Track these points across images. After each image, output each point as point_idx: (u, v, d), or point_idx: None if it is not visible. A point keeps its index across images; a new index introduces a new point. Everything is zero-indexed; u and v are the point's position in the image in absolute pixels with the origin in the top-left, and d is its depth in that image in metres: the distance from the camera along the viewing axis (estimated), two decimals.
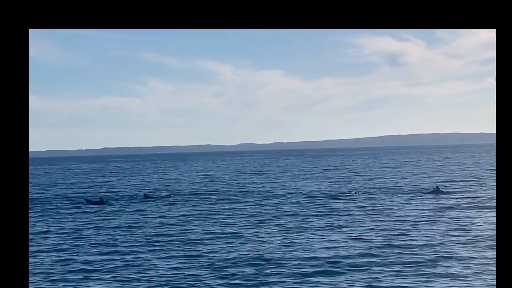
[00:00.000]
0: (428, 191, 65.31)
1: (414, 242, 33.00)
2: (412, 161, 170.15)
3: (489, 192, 61.88)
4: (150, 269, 28.26)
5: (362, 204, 53.65)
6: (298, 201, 58.43)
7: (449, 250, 30.46)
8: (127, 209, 55.83)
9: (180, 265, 28.93)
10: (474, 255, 29.40)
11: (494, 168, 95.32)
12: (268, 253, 31.05)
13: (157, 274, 27.19)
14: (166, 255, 31.64)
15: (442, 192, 62.74)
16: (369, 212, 47.53)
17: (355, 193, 65.10)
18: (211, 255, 31.05)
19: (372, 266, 27.42)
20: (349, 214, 46.73)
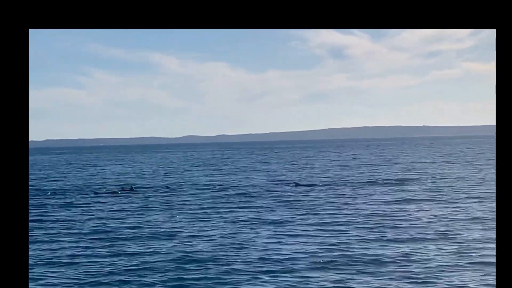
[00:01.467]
0: (382, 183, 66.01)
1: (374, 236, 32.91)
2: (361, 154, 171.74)
3: (444, 184, 62.70)
4: (87, 265, 27.41)
5: (312, 197, 53.64)
6: (245, 194, 58.03)
7: (411, 246, 30.39)
8: (80, 202, 55.06)
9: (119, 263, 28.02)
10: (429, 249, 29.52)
11: (445, 161, 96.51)
12: (209, 251, 30.18)
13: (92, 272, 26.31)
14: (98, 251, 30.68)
15: (395, 184, 63.48)
16: (319, 206, 47.49)
17: (295, 184, 65.25)
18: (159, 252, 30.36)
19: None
20: (300, 208, 46.52)
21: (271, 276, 24.68)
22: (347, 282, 23.63)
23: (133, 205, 50.91)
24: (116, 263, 27.65)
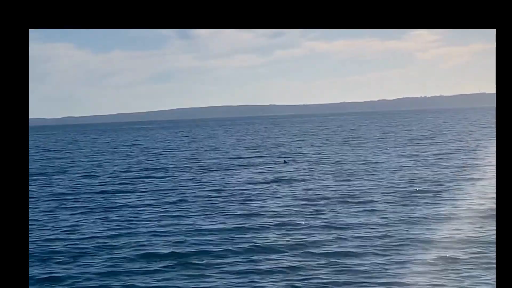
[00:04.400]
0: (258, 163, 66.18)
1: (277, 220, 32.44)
2: (217, 133, 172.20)
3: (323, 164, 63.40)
4: None
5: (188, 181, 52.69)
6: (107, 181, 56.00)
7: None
8: None
9: None
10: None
11: (303, 138, 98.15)
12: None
13: None
14: None
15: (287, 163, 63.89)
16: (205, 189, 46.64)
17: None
18: None
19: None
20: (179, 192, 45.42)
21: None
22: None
23: None
24: None
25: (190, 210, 36.47)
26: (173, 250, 25.84)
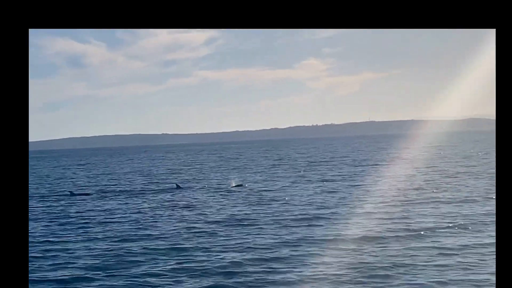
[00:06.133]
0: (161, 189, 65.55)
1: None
2: (106, 161, 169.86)
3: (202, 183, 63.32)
4: None
5: (92, 207, 51.90)
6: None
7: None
8: None
9: None
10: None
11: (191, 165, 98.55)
12: None
13: None
14: None
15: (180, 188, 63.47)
16: (104, 215, 46.01)
17: (71, 194, 63.51)
18: None
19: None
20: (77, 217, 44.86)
21: None
22: None
23: None
24: None
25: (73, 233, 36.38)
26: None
